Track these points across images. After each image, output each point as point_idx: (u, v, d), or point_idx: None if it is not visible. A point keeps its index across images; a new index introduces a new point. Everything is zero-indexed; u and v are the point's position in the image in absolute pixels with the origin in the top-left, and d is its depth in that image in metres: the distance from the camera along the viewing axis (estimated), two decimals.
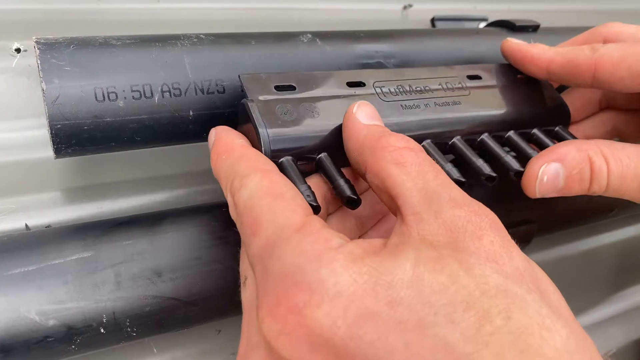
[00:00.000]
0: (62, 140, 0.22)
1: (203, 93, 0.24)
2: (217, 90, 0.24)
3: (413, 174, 0.19)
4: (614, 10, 0.51)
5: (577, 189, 0.25)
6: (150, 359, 0.27)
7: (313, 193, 0.21)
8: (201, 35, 0.25)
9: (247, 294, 0.19)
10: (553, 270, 0.38)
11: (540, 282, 0.17)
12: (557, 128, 0.29)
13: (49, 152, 0.26)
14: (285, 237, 0.17)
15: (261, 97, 0.23)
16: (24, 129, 0.28)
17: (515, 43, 0.29)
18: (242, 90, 0.23)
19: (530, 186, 0.25)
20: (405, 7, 0.41)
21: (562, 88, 0.33)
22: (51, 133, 0.22)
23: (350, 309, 0.15)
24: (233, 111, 0.25)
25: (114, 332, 0.21)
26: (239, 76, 0.23)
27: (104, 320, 0.21)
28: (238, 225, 0.20)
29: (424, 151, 0.20)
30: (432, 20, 0.39)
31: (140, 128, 0.23)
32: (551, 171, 0.25)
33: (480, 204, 0.18)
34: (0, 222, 0.26)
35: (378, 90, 0.25)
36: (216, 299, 0.23)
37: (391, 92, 0.25)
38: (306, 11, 0.37)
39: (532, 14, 0.46)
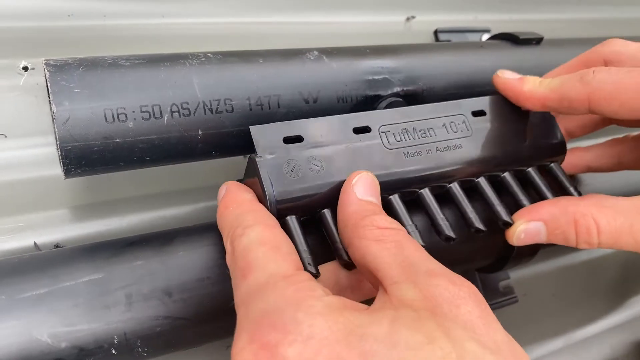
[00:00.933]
0: (72, 162, 0.22)
1: (212, 112, 0.24)
2: (226, 110, 0.24)
3: (392, 249, 0.19)
4: (616, 19, 0.51)
5: (562, 244, 0.26)
6: None
7: (314, 259, 0.22)
8: (209, 54, 0.26)
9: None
10: (557, 281, 0.39)
11: (517, 355, 0.17)
12: (551, 165, 0.29)
13: (57, 169, 0.26)
14: (272, 283, 0.18)
15: (269, 155, 0.23)
16: (32, 147, 0.28)
17: (506, 80, 0.28)
18: (252, 144, 0.23)
19: (509, 238, 0.26)
20: (408, 19, 0.41)
21: None
22: (61, 155, 0.22)
23: (322, 352, 0.15)
24: (241, 130, 0.25)
25: (125, 353, 0.21)
26: (249, 128, 0.24)
27: (116, 341, 0.21)
28: (231, 271, 0.20)
29: (405, 231, 0.21)
30: (436, 33, 0.40)
31: (149, 148, 0.24)
32: (532, 229, 0.26)
33: (459, 276, 0.19)
34: (9, 240, 0.26)
35: (383, 136, 0.25)
36: (227, 317, 0.23)
37: (395, 139, 0.25)
38: (310, 25, 0.37)
39: (533, 24, 0.46)
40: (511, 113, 0.29)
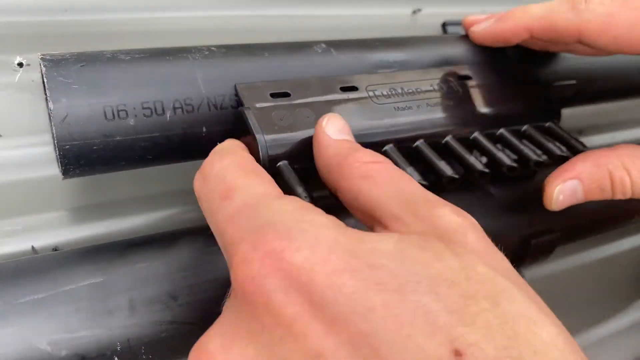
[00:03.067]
0: (70, 162, 0.21)
1: (217, 108, 0.23)
2: (231, 106, 0.23)
3: (384, 184, 0.18)
4: None
5: (598, 198, 0.26)
6: None
7: (311, 195, 0.21)
8: (213, 48, 0.25)
9: None
10: (572, 279, 0.38)
11: (527, 286, 0.16)
12: (548, 124, 0.28)
13: (55, 169, 0.25)
14: (266, 202, 0.17)
15: (257, 105, 0.23)
16: (29, 146, 0.27)
17: (481, 30, 0.27)
18: (237, 98, 0.23)
19: (548, 204, 0.26)
20: (414, 12, 0.40)
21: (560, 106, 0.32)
22: (59, 154, 0.21)
23: (330, 259, 0.14)
24: None
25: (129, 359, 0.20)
26: (234, 86, 0.23)
27: (119, 348, 0.20)
28: (204, 197, 0.19)
29: (391, 162, 0.20)
30: (444, 25, 0.39)
31: (151, 146, 0.23)
32: (568, 188, 0.25)
33: (459, 208, 0.18)
34: (6, 244, 0.25)
35: (371, 93, 0.25)
36: None
37: (383, 95, 0.26)
38: (316, 18, 0.36)
39: None
40: (498, 77, 0.29)
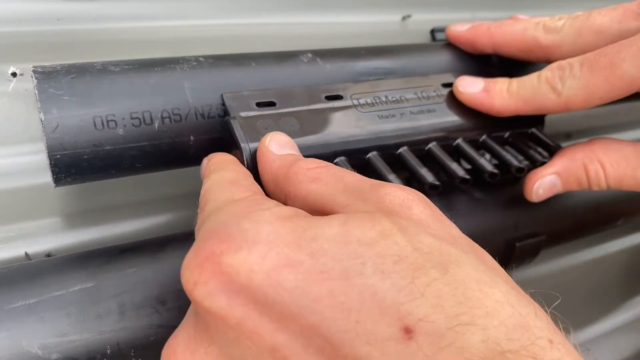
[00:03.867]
0: (61, 170, 0.22)
1: (204, 118, 0.24)
2: (218, 115, 0.24)
3: (331, 183, 0.19)
4: None
5: (576, 189, 0.28)
6: None
7: None
8: (200, 58, 0.25)
9: None
10: (560, 280, 0.38)
11: (476, 248, 0.17)
12: (531, 130, 0.29)
13: (47, 177, 0.25)
14: (223, 206, 0.18)
15: (243, 114, 0.24)
16: (22, 155, 0.27)
17: (471, 96, 0.28)
18: (224, 108, 0.24)
19: (528, 197, 0.28)
20: (404, 18, 0.41)
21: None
22: (50, 163, 0.22)
23: (269, 256, 0.15)
24: None
25: None
26: (221, 95, 0.24)
27: (109, 351, 0.20)
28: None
29: (336, 166, 0.20)
30: (432, 32, 0.39)
31: (140, 155, 0.23)
32: (546, 183, 0.27)
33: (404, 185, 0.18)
34: (0, 250, 0.26)
35: (355, 102, 0.26)
36: None
37: (368, 104, 0.26)
38: (304, 25, 0.37)
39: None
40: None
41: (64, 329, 0.20)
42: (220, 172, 0.21)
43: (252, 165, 0.23)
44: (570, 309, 0.38)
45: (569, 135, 0.43)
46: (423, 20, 0.41)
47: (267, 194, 0.21)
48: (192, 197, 0.30)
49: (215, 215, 0.17)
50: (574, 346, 0.15)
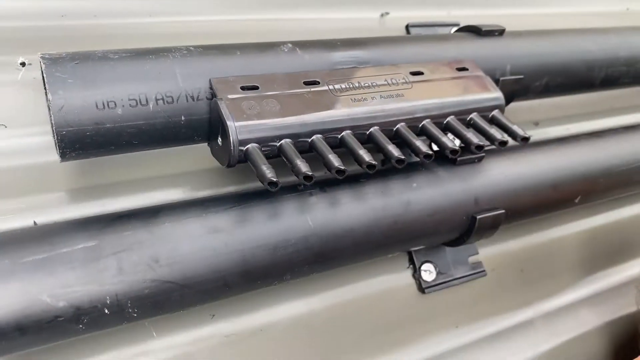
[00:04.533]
0: (67, 145, 0.25)
1: (193, 100, 0.27)
2: (207, 97, 0.27)
3: None
4: (577, 13, 0.54)
5: None
6: (151, 342, 0.29)
7: (273, 170, 0.25)
8: (190, 47, 0.28)
9: None
10: (525, 257, 0.41)
11: None
12: (492, 113, 0.32)
13: (54, 156, 0.28)
14: None
15: (229, 96, 0.26)
16: (30, 136, 0.30)
17: None
18: (212, 91, 0.27)
19: None
20: (382, 15, 0.44)
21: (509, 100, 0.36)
22: (57, 139, 0.25)
23: None
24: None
25: (117, 313, 0.24)
26: (209, 80, 0.27)
27: (108, 301, 0.23)
28: None
29: None
30: (407, 27, 0.42)
31: (137, 133, 0.26)
32: None
33: None
34: (11, 220, 0.28)
35: (331, 87, 0.29)
36: (209, 282, 0.25)
37: (342, 89, 0.29)
38: (289, 21, 0.40)
39: (501, 19, 0.49)
40: (447, 73, 0.32)
41: (69, 280, 0.23)
42: None
43: (237, 140, 0.25)
44: (534, 283, 0.41)
45: (537, 123, 0.46)
46: (400, 17, 0.44)
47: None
48: (184, 176, 0.33)
49: None
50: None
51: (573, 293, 0.42)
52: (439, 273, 0.36)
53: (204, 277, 0.25)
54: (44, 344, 0.24)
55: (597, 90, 0.44)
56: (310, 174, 0.25)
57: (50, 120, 0.28)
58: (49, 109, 0.25)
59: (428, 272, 0.36)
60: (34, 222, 0.29)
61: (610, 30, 0.43)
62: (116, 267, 0.24)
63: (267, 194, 0.28)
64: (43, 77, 0.25)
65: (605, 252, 0.45)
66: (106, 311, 0.24)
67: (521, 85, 0.37)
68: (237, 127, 0.26)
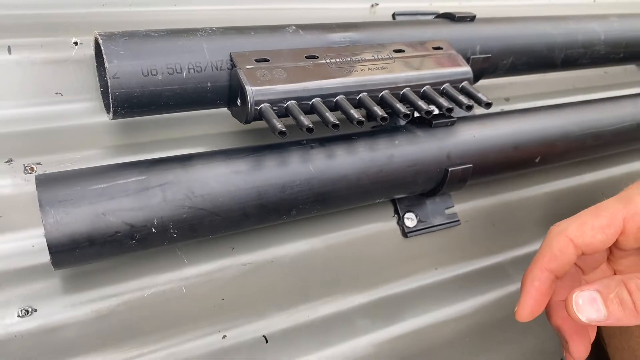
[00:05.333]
0: (118, 104, 0.32)
1: (217, 70, 0.33)
2: (227, 68, 0.34)
3: None
4: (549, 4, 0.61)
5: (621, 315, 0.28)
6: (184, 268, 0.36)
7: (282, 123, 0.31)
8: (214, 28, 0.35)
9: None
10: (496, 212, 0.48)
11: None
12: (462, 84, 0.38)
13: (102, 118, 0.35)
14: None
15: (246, 67, 0.33)
16: (82, 101, 0.37)
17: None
18: (232, 62, 0.33)
19: (572, 313, 0.29)
20: (372, 5, 0.50)
21: (479, 76, 0.43)
22: (111, 98, 0.31)
23: None
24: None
25: (161, 232, 0.31)
26: (230, 54, 0.33)
27: (155, 222, 0.30)
28: None
29: None
30: (393, 15, 0.49)
31: (172, 95, 0.33)
32: (586, 296, 0.28)
33: None
34: (70, 167, 0.35)
35: (328, 60, 0.36)
36: (232, 211, 0.32)
37: (337, 62, 0.36)
38: (292, 10, 0.47)
39: (479, 8, 0.56)
40: (424, 51, 0.39)
41: (125, 204, 0.29)
42: None
43: (253, 100, 0.32)
44: (504, 234, 0.48)
45: (507, 99, 0.53)
46: (388, 7, 0.51)
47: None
48: (208, 137, 0.40)
49: None
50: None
51: (539, 243, 0.49)
52: (419, 221, 0.43)
53: (228, 207, 0.32)
54: (106, 256, 0.30)
55: (559, 69, 0.50)
56: (311, 126, 0.32)
57: (101, 87, 0.35)
58: (105, 76, 0.31)
59: (410, 220, 0.43)
60: None
61: (570, 18, 0.50)
62: (161, 196, 0.30)
63: (277, 146, 0.35)
64: (99, 50, 0.32)
65: (567, 211, 0.51)
66: (153, 230, 0.30)
67: (489, 63, 0.44)
68: (253, 91, 0.32)
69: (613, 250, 0.35)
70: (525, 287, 0.32)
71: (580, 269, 0.36)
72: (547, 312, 0.34)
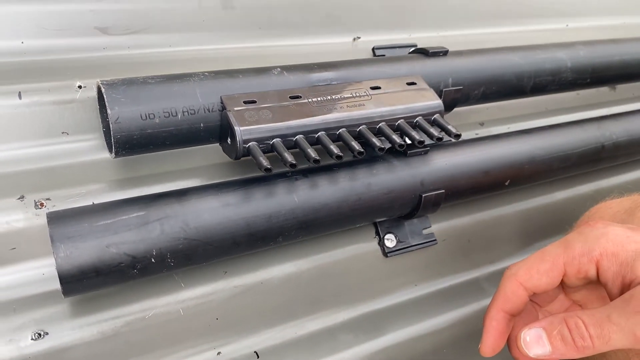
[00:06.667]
0: (120, 146, 0.35)
1: (209, 111, 0.37)
2: (218, 109, 0.37)
3: None
4: (524, 30, 0.65)
5: (564, 350, 0.31)
6: (180, 292, 0.39)
7: (268, 160, 0.35)
8: (206, 73, 0.39)
9: None
10: (472, 230, 0.51)
11: None
12: (434, 116, 0.42)
13: (105, 154, 0.39)
14: None
15: (235, 108, 0.36)
16: (86, 141, 0.40)
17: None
18: (222, 105, 0.37)
19: (521, 350, 0.32)
20: (354, 39, 0.54)
21: (453, 105, 0.47)
22: (113, 141, 0.35)
23: None
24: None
25: (160, 262, 0.34)
26: (220, 97, 0.37)
27: (154, 253, 0.34)
28: None
29: None
30: (373, 49, 0.53)
31: (169, 136, 0.36)
32: (532, 333, 0.32)
33: None
34: (77, 202, 0.39)
35: (310, 100, 0.39)
36: (223, 240, 0.36)
37: (318, 101, 0.39)
38: (278, 47, 0.50)
39: (456, 38, 0.60)
40: (399, 87, 0.43)
41: (128, 238, 0.33)
42: None
43: (242, 140, 0.36)
44: (479, 251, 0.52)
45: (482, 124, 0.57)
46: (369, 41, 0.54)
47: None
48: (201, 169, 0.43)
49: None
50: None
51: (512, 259, 0.53)
52: (399, 241, 0.47)
53: (220, 237, 0.35)
54: (110, 285, 0.34)
55: (528, 96, 0.54)
56: (294, 162, 0.35)
57: (103, 127, 0.39)
58: (107, 120, 0.35)
59: (390, 241, 0.46)
60: (92, 203, 0.39)
61: (537, 47, 0.54)
62: (159, 229, 0.34)
63: (264, 179, 0.39)
64: (101, 96, 0.36)
65: (539, 228, 0.55)
66: (153, 260, 0.34)
67: (462, 93, 0.48)
68: (242, 131, 0.36)
69: (564, 286, 0.38)
70: (485, 326, 0.36)
71: (537, 304, 0.40)
72: (508, 346, 0.37)
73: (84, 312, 0.37)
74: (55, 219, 0.33)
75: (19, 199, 0.37)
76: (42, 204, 0.38)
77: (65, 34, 0.43)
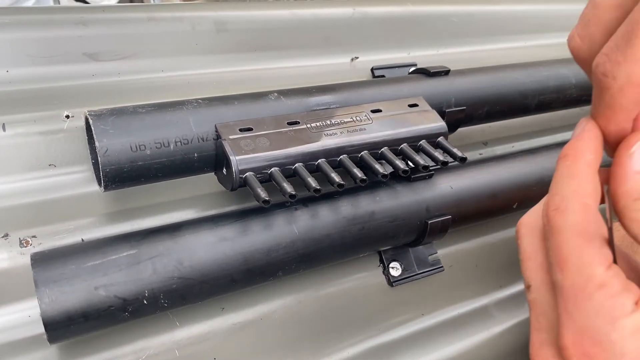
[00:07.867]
0: (109, 179, 0.33)
1: (203, 141, 0.35)
2: (213, 138, 0.35)
3: None
4: (528, 46, 0.63)
5: None
6: (176, 331, 0.37)
7: (266, 191, 0.33)
8: (199, 100, 0.37)
9: (531, 296, 0.27)
10: (479, 255, 0.49)
11: None
12: (438, 139, 0.40)
13: (94, 187, 0.37)
14: (588, 293, 0.22)
15: (230, 137, 0.34)
16: (74, 173, 0.39)
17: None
18: (217, 133, 0.35)
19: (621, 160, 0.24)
20: (352, 59, 0.53)
21: (456, 126, 0.45)
22: (102, 174, 0.33)
23: None
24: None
25: (153, 303, 0.32)
26: (215, 125, 0.35)
27: (146, 294, 0.31)
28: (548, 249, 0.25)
29: None
30: (372, 70, 0.51)
31: (161, 167, 0.34)
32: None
33: None
34: (64, 238, 0.37)
35: (308, 125, 0.37)
36: (219, 278, 0.34)
37: (317, 126, 0.37)
38: (275, 70, 0.49)
39: (456, 55, 0.58)
40: (401, 109, 0.41)
41: (118, 279, 0.31)
42: (570, 211, 0.23)
43: (237, 170, 0.34)
44: (488, 276, 0.50)
45: (486, 143, 0.55)
46: (367, 61, 0.53)
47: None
48: (196, 199, 0.41)
49: (582, 303, 0.22)
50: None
51: (521, 283, 0.51)
52: (404, 270, 0.45)
53: (216, 274, 0.33)
54: (100, 329, 0.32)
55: (532, 114, 0.53)
56: (294, 193, 0.34)
57: (92, 159, 0.37)
58: (96, 152, 0.33)
59: (395, 269, 0.44)
60: (82, 239, 0.37)
61: (541, 64, 0.52)
62: (151, 269, 0.32)
63: (262, 210, 0.37)
64: (89, 128, 0.34)
65: None
66: (145, 302, 0.32)
67: (465, 114, 0.46)
68: (238, 160, 0.34)
69: None
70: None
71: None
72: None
73: (73, 356, 0.34)
74: (39, 260, 0.30)
75: (2, 237, 0.35)
76: (27, 242, 0.36)
77: (53, 61, 0.41)
